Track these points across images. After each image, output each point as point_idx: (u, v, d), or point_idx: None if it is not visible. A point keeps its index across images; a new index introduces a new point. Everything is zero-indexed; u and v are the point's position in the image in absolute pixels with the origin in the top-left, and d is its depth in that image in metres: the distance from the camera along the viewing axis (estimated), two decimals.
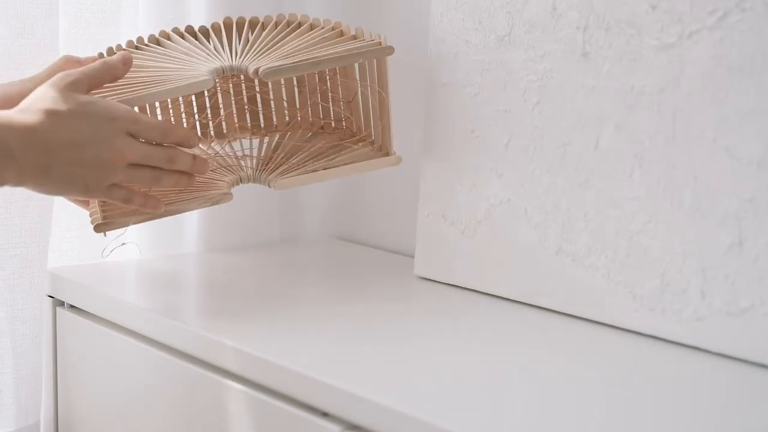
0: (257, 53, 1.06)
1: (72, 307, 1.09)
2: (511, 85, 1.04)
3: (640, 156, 0.93)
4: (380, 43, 1.07)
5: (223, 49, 1.09)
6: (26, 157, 0.88)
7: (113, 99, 0.96)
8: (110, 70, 0.98)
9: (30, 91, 0.98)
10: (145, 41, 1.13)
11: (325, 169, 1.07)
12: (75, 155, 0.90)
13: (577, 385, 0.82)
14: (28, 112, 0.90)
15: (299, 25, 1.13)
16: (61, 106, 0.91)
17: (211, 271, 1.20)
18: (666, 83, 0.91)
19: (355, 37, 1.09)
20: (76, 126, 0.91)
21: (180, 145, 0.98)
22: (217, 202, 1.04)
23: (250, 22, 1.15)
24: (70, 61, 1.09)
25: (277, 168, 1.07)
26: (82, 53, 1.16)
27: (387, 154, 1.10)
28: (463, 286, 1.10)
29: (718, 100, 0.88)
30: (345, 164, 1.08)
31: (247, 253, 1.25)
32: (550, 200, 1.01)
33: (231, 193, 1.05)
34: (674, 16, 0.91)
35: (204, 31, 1.14)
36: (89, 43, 1.22)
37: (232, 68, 1.04)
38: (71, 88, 0.93)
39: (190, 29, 1.14)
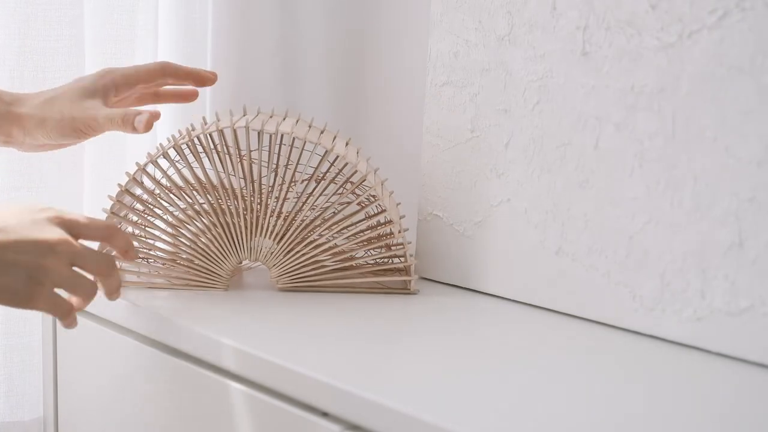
0: (285, 249, 1.04)
1: None
2: (511, 85, 1.04)
3: (640, 156, 0.93)
4: (407, 284, 1.07)
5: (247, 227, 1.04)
6: None
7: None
8: (108, 238, 0.90)
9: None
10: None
11: (334, 286, 1.06)
12: (6, 238, 0.84)
13: (576, 385, 0.82)
14: None
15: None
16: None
17: None
18: (666, 83, 0.91)
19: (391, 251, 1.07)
20: (5, 215, 0.86)
21: (120, 254, 0.91)
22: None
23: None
24: (167, 69, 1.07)
25: (287, 273, 1.05)
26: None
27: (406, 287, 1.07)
28: (463, 286, 1.10)
29: (718, 100, 0.88)
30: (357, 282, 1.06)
31: None
32: (550, 200, 1.01)
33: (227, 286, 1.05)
34: (674, 15, 0.91)
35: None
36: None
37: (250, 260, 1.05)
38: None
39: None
